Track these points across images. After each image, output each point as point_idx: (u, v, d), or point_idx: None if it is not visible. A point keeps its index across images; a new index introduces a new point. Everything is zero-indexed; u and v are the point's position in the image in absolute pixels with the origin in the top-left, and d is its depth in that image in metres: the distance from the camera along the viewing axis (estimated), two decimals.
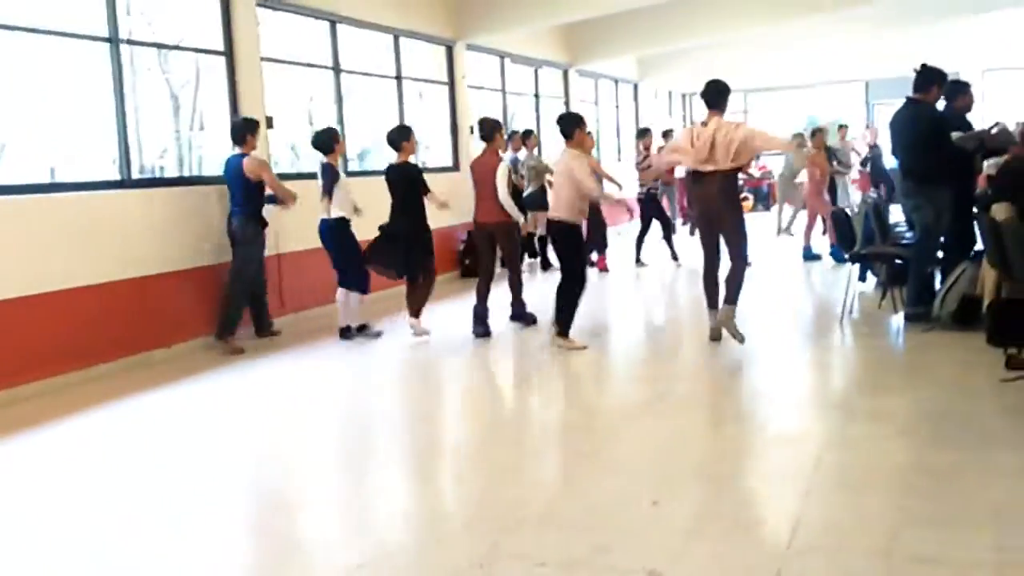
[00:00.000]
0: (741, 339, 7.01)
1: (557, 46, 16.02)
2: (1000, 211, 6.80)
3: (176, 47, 8.45)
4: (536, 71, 15.84)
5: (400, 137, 7.99)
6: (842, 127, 16.17)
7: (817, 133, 12.68)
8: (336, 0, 10.19)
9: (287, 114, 9.49)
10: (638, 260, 12.42)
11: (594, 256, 12.03)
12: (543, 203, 11.70)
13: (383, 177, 8.13)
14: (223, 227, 8.27)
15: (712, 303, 7.22)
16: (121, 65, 7.65)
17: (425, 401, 6.57)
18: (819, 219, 12.23)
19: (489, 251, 8.33)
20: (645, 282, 11.53)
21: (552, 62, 16.10)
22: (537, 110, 15.93)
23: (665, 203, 13.89)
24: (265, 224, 8.19)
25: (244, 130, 8.10)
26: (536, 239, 12.52)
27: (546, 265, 12.54)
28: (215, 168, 8.91)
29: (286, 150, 10.72)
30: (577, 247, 7.53)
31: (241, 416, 6.17)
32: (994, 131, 7.61)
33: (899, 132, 7.59)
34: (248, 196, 8.04)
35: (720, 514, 3.95)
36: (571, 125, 7.41)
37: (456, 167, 12.81)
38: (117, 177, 7.72)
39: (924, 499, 3.92)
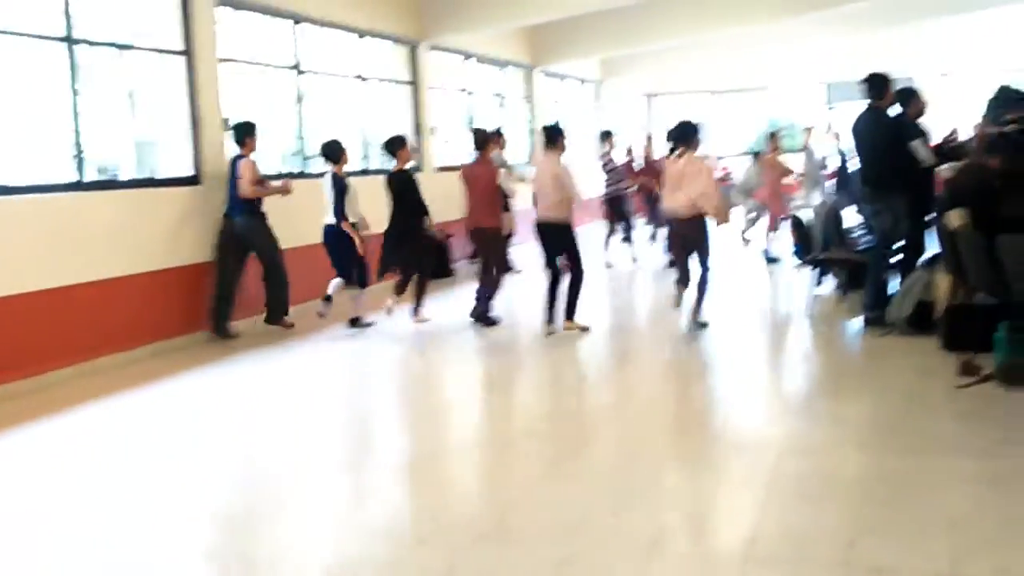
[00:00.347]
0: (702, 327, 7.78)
1: (522, 47, 16.02)
2: (955, 218, 6.87)
3: (133, 47, 8.33)
4: (500, 71, 15.82)
5: (395, 147, 8.76)
6: (807, 129, 16.14)
7: (773, 137, 12.73)
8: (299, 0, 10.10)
9: (246, 115, 9.39)
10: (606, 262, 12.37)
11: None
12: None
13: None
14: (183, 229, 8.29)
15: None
16: (76, 65, 7.55)
17: (382, 406, 6.55)
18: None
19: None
20: (611, 283, 11.52)
21: (516, 62, 16.09)
22: (501, 110, 15.92)
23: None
24: (263, 215, 8.67)
25: (243, 132, 8.55)
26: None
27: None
28: (171, 170, 8.86)
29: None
30: (573, 242, 8.07)
31: (182, 428, 6.12)
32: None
33: (860, 138, 7.66)
34: (238, 196, 8.47)
35: (680, 525, 3.98)
36: (559, 134, 8.10)
37: (418, 168, 12.74)
38: (72, 179, 7.61)
39: (881, 507, 3.97)
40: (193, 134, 8.79)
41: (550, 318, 8.07)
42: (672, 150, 7.81)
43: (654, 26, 15.66)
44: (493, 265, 8.73)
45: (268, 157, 10.67)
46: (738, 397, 6.16)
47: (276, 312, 8.84)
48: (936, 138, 11.80)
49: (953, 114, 17.14)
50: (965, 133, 17.31)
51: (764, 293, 10.54)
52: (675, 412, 6.01)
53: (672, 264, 8.99)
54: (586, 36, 15.94)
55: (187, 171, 8.80)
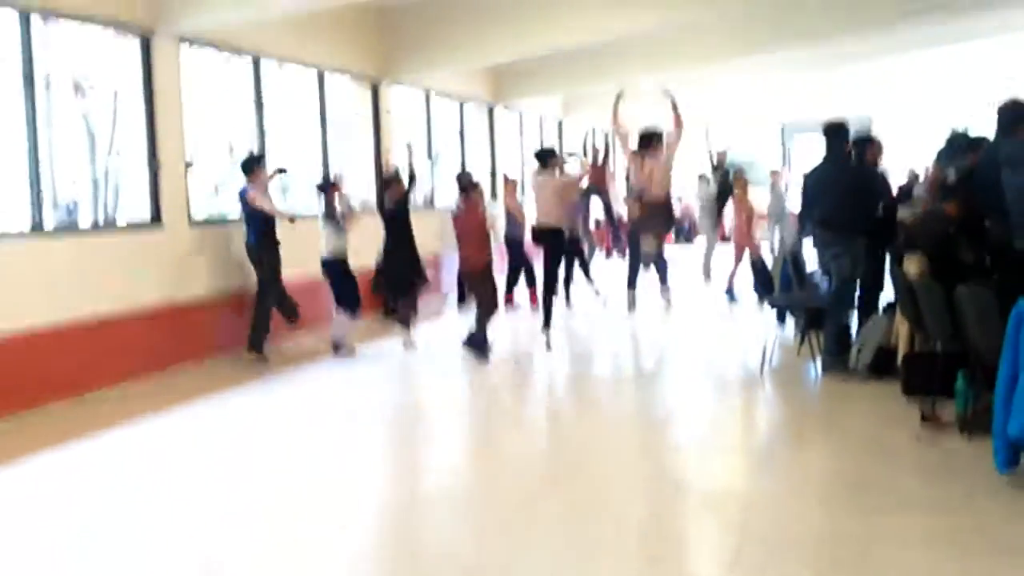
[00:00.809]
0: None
1: (483, 84, 16.08)
2: (912, 265, 6.98)
3: (94, 86, 8.26)
4: (461, 107, 15.87)
5: (391, 180, 9.54)
6: (773, 172, 15.95)
7: (739, 175, 12.75)
8: (261, 37, 10.05)
9: (208, 152, 9.36)
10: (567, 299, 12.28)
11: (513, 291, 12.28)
12: None
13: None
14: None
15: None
16: (35, 105, 7.46)
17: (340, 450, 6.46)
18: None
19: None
20: (574, 321, 11.45)
21: (478, 99, 16.15)
22: (462, 146, 15.95)
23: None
24: (277, 243, 9.13)
25: (250, 163, 9.09)
26: None
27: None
28: (132, 213, 8.78)
29: (207, 189, 10.52)
30: (563, 243, 9.90)
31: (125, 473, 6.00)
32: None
33: (822, 184, 7.71)
34: (253, 221, 8.96)
35: None
36: (552, 155, 10.37)
37: (381, 203, 12.67)
38: (30, 224, 7.50)
39: (846, 571, 3.98)
40: (152, 175, 8.70)
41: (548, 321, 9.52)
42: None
43: (613, 66, 15.80)
44: (487, 298, 8.99)
45: (232, 192, 10.67)
46: (700, 448, 6.12)
47: (252, 340, 9.02)
48: (895, 181, 12.03)
49: (909, 154, 17.51)
50: (921, 173, 17.69)
51: (725, 334, 10.42)
52: (635, 464, 5.91)
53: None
54: (547, 74, 16.06)
55: (146, 214, 8.70)
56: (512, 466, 5.93)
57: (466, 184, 9.28)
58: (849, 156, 7.78)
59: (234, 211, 9.62)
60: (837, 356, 7.52)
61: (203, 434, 6.88)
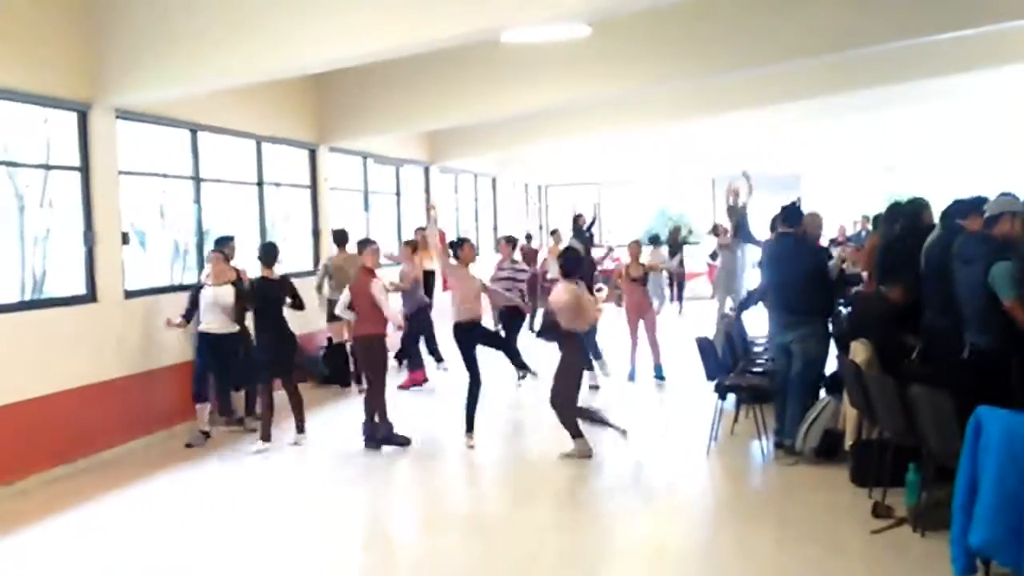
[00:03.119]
0: None
1: (419, 146, 16.10)
2: (859, 351, 7.08)
3: (29, 165, 8.02)
4: (398, 169, 15.83)
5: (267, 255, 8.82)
6: (719, 231, 15.77)
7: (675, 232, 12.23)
8: (197, 109, 9.88)
9: (145, 226, 9.15)
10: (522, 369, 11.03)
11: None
12: None
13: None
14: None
15: None
16: None
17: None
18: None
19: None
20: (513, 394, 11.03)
21: (414, 160, 16.14)
22: (399, 207, 15.89)
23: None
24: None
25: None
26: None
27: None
28: (62, 288, 8.51)
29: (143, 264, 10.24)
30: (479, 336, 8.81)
31: None
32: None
33: (781, 266, 7.79)
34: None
35: None
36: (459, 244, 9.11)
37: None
38: None
39: None
40: (88, 250, 8.44)
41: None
42: None
43: (545, 128, 16.09)
44: (376, 377, 8.51)
45: (160, 265, 10.44)
46: (644, 549, 6.04)
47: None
48: (825, 236, 12.24)
49: (837, 210, 18.01)
50: (850, 228, 18.24)
51: (668, 410, 10.25)
52: (567, 559, 5.83)
53: None
54: (481, 136, 16.21)
55: (81, 289, 8.43)
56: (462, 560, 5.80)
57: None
58: (800, 235, 7.87)
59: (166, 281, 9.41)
60: (790, 439, 7.53)
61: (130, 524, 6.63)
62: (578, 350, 8.13)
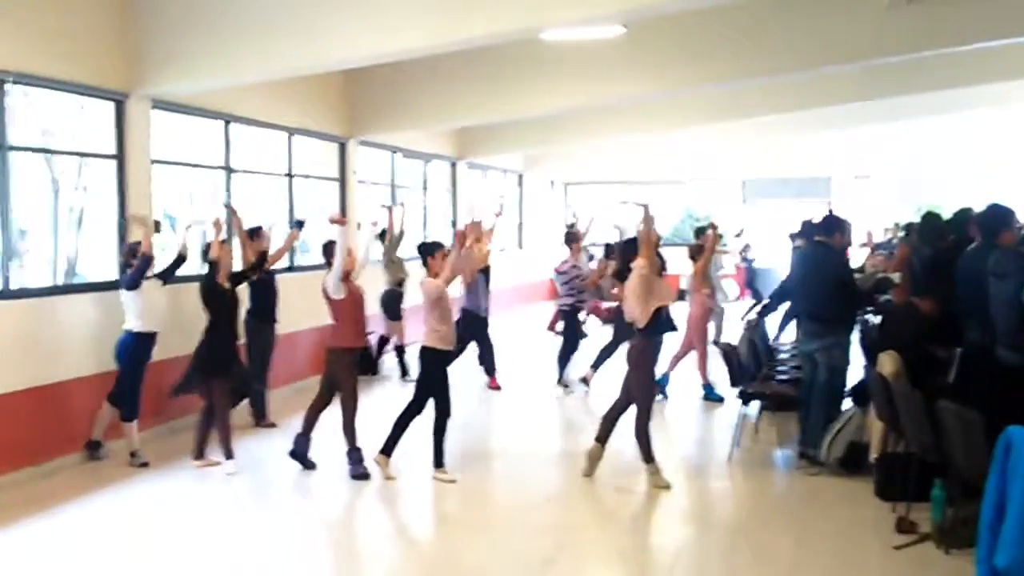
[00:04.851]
0: None
1: (447, 141, 16.14)
2: (887, 363, 7.04)
3: (66, 152, 8.11)
4: (426, 164, 15.87)
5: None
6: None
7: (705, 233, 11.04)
8: (231, 100, 9.96)
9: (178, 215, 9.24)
10: (560, 380, 11.06)
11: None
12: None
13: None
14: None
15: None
16: (7, 172, 7.31)
17: None
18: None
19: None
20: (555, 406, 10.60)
21: (442, 155, 16.18)
22: (425, 201, 15.94)
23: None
24: None
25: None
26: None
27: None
28: (97, 274, 8.59)
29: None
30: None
31: None
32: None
33: (807, 274, 7.81)
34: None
35: None
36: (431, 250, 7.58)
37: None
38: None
39: None
40: (121, 236, 8.52)
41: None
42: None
43: (573, 127, 16.09)
44: (349, 393, 7.54)
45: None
46: (656, 548, 6.05)
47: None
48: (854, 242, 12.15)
49: (866, 216, 17.91)
50: (877, 235, 18.15)
51: (688, 418, 10.00)
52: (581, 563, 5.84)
53: None
54: (509, 134, 16.20)
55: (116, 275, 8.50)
56: None
57: (325, 247, 7.90)
58: (836, 247, 7.83)
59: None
60: (814, 450, 7.51)
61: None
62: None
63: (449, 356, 7.59)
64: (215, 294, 7.70)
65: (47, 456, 7.52)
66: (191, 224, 8.63)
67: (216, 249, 7.72)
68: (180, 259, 8.18)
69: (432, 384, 7.39)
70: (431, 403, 7.40)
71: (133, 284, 7.61)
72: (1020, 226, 6.66)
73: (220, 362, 7.66)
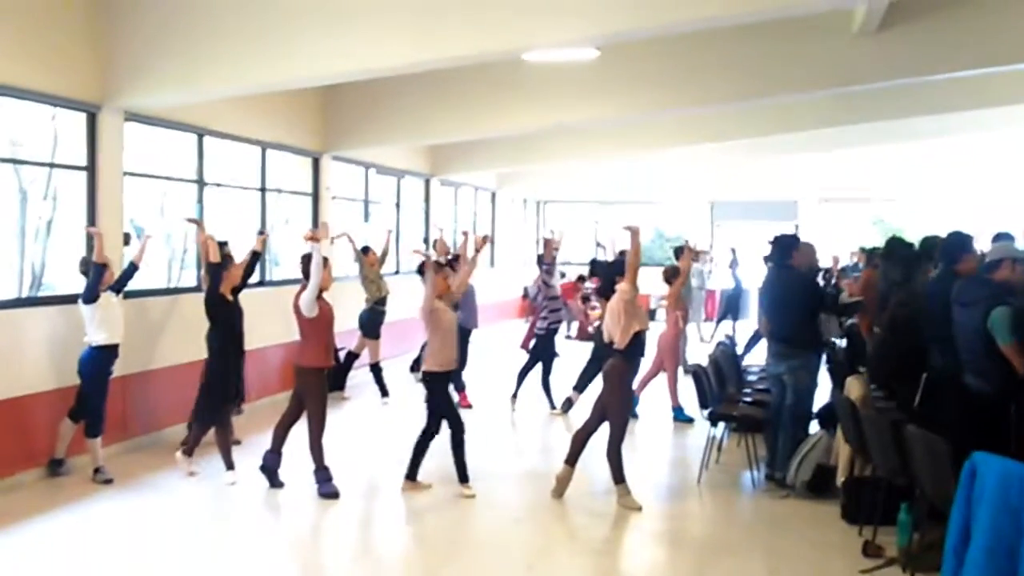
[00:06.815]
0: None
1: (420, 158, 16.18)
2: (854, 387, 7.12)
3: (36, 163, 8.03)
4: (399, 180, 15.87)
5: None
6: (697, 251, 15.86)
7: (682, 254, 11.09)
8: (205, 113, 9.92)
9: (145, 226, 9.15)
10: (515, 395, 11.10)
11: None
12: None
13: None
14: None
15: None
16: None
17: None
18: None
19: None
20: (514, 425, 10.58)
21: (415, 172, 16.20)
22: (398, 218, 15.92)
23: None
24: None
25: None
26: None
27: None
28: (64, 287, 8.49)
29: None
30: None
31: None
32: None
33: (773, 297, 7.87)
34: None
35: None
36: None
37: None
38: None
39: None
40: (89, 248, 8.42)
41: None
42: None
43: (547, 146, 16.08)
44: (318, 411, 7.48)
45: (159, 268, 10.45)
46: (626, 573, 6.02)
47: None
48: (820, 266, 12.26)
49: (830, 240, 18.09)
50: (844, 259, 18.31)
51: (658, 440, 9.95)
52: None
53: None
54: (482, 152, 16.32)
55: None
56: None
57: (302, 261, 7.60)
58: (795, 267, 7.89)
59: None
60: (781, 473, 7.56)
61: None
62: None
63: (451, 374, 7.79)
64: (218, 304, 7.90)
65: (7, 472, 7.41)
66: (148, 235, 8.65)
67: (215, 254, 7.85)
68: (132, 268, 8.08)
69: (440, 404, 7.57)
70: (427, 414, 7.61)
71: (90, 296, 7.55)
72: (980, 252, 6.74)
73: (227, 389, 7.99)
